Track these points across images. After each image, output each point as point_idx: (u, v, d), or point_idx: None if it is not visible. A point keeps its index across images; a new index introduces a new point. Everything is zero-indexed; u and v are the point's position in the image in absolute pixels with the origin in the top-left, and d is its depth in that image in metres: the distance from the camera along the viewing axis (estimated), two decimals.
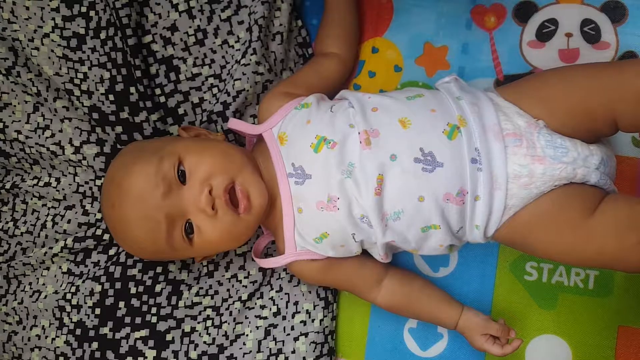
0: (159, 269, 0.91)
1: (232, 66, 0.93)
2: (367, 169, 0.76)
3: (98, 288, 0.89)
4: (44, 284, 0.92)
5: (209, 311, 0.91)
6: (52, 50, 0.89)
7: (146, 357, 0.88)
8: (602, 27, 0.90)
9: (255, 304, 0.92)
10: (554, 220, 0.75)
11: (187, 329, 0.90)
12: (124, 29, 0.89)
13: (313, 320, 0.91)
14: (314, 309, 0.91)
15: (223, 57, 0.94)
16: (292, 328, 0.91)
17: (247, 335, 0.91)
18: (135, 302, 0.89)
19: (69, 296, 0.90)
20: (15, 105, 0.90)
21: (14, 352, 0.93)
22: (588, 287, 0.89)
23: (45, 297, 0.91)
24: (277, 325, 0.91)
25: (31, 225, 0.94)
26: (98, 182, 0.91)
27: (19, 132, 0.90)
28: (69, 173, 0.92)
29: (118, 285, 0.90)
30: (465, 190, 0.75)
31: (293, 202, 0.80)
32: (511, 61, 0.93)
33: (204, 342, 0.90)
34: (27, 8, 0.89)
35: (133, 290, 0.90)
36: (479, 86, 0.91)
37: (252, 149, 0.89)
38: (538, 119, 0.76)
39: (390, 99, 0.80)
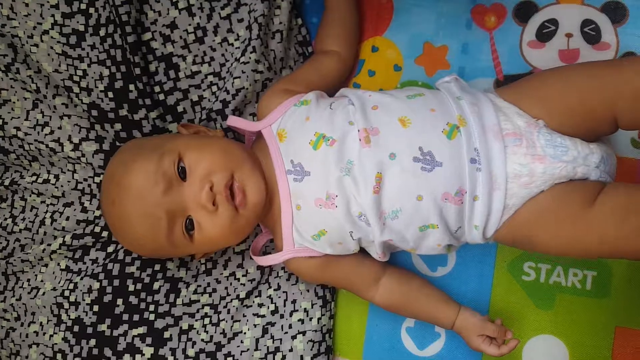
0: (157, 267, 0.92)
1: (232, 64, 0.93)
2: (366, 167, 0.76)
3: (96, 285, 0.89)
4: (42, 281, 0.92)
5: (206, 309, 0.92)
6: (52, 47, 0.89)
7: (144, 355, 0.88)
8: (602, 28, 0.90)
9: (253, 302, 0.93)
10: (554, 215, 0.75)
11: (185, 326, 0.90)
12: (124, 26, 0.88)
13: (311, 319, 0.91)
14: (312, 307, 0.91)
15: (223, 55, 0.94)
16: (290, 326, 0.91)
17: (244, 333, 0.91)
18: (133, 300, 0.89)
19: (67, 293, 0.90)
20: (14, 102, 0.90)
21: (11, 348, 0.93)
22: (585, 287, 0.89)
23: (44, 293, 0.91)
24: (275, 323, 0.91)
25: (30, 222, 0.94)
26: (97, 180, 0.91)
27: (18, 128, 0.90)
28: (68, 170, 0.92)
29: (116, 282, 0.90)
30: (463, 190, 0.75)
31: (292, 199, 0.80)
32: (511, 61, 0.93)
33: (202, 340, 0.90)
34: (27, 4, 0.89)
35: (131, 288, 0.90)
36: (479, 86, 0.91)
37: (251, 147, 0.89)
38: (537, 118, 0.76)
39: (391, 98, 0.80)
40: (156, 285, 0.91)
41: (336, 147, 0.77)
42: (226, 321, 0.91)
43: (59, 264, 0.92)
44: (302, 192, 0.79)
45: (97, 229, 0.91)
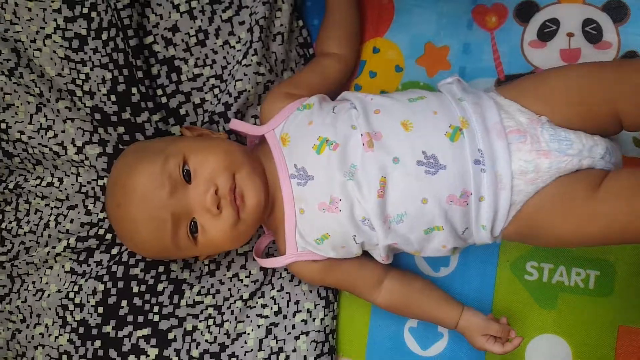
0: (161, 268, 0.92)
1: (234, 67, 0.93)
2: (370, 171, 0.76)
3: (101, 287, 0.90)
4: (47, 283, 0.93)
5: (210, 310, 0.92)
6: (54, 51, 0.90)
7: (148, 356, 0.89)
8: (603, 27, 0.90)
9: (257, 303, 0.93)
10: (560, 203, 0.74)
11: (189, 327, 0.91)
12: (126, 29, 0.89)
13: (314, 319, 0.91)
14: (315, 308, 0.92)
15: (224, 57, 0.94)
16: (293, 327, 0.91)
17: (248, 334, 0.91)
18: (137, 301, 0.90)
19: (72, 295, 0.90)
20: (18, 106, 0.91)
21: (17, 350, 0.93)
22: (588, 287, 0.89)
23: (49, 295, 0.92)
24: (278, 324, 0.92)
25: (34, 224, 0.95)
26: (100, 182, 0.92)
27: (22, 132, 0.90)
28: (72, 173, 0.93)
29: (120, 284, 0.90)
30: (468, 192, 0.75)
31: (295, 203, 0.80)
32: (512, 61, 0.92)
33: (206, 341, 0.91)
34: (29, 9, 0.89)
35: (135, 289, 0.90)
36: (480, 86, 0.90)
37: (254, 150, 0.89)
38: (540, 115, 0.76)
39: (393, 101, 0.80)
40: (160, 287, 0.91)
41: (339, 151, 0.77)
42: (230, 322, 0.92)
43: (63, 267, 0.93)
44: (305, 196, 0.79)
45: (101, 232, 0.91)
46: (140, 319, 0.90)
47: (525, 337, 0.89)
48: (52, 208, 0.94)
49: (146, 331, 0.89)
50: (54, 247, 0.91)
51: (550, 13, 0.92)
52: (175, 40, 0.92)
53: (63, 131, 0.90)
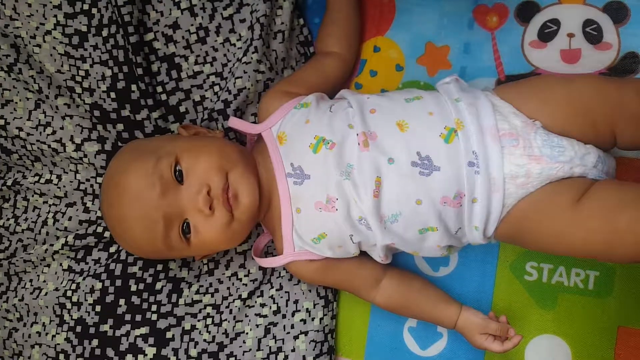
0: (159, 267, 0.92)
1: (234, 64, 0.93)
2: (365, 171, 0.76)
3: (98, 285, 0.89)
4: (44, 281, 0.92)
5: (209, 309, 0.92)
6: (54, 48, 0.89)
7: (146, 355, 0.88)
8: (604, 28, 0.90)
9: (255, 302, 0.93)
10: (543, 209, 0.74)
11: (187, 326, 0.90)
12: (126, 26, 0.89)
13: (313, 319, 0.91)
14: (314, 307, 0.91)
15: (225, 55, 0.94)
16: (292, 326, 0.91)
17: (247, 333, 0.91)
18: (135, 300, 0.90)
19: (69, 293, 0.90)
20: (16, 102, 0.90)
21: (14, 348, 0.93)
22: (588, 287, 0.89)
23: (46, 294, 0.91)
24: (277, 323, 0.91)
25: (32, 222, 0.94)
26: (99, 180, 0.92)
27: (20, 129, 0.90)
28: (70, 170, 0.92)
29: (118, 282, 0.90)
30: (462, 193, 0.75)
31: (292, 202, 0.80)
32: (513, 61, 0.92)
33: (204, 340, 0.90)
34: (30, 5, 0.89)
35: (133, 288, 0.90)
36: (480, 86, 0.90)
37: (252, 148, 0.89)
38: (534, 119, 0.76)
39: (389, 101, 0.80)
40: (158, 286, 0.91)
41: (336, 151, 0.77)
42: (228, 321, 0.91)
43: (61, 264, 0.92)
44: (302, 195, 0.79)
45: (100, 229, 0.91)
46: (138, 317, 0.89)
47: (524, 338, 0.89)
48: (50, 205, 0.94)
49: (144, 330, 0.89)
50: (51, 245, 0.91)
51: (551, 13, 0.92)
52: (176, 37, 0.92)
53: (62, 128, 0.89)
